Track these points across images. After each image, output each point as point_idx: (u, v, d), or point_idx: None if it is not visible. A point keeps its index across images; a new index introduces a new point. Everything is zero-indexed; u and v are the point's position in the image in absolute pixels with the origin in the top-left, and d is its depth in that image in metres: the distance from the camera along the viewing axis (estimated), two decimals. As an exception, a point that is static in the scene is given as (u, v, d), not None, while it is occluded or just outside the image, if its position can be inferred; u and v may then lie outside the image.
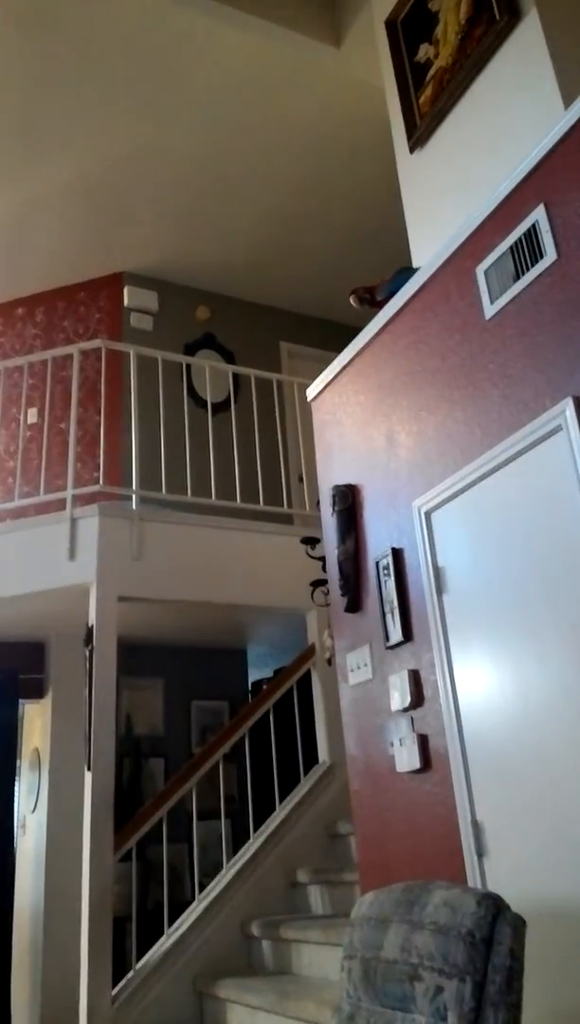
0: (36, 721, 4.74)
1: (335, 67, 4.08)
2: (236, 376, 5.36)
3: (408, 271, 2.94)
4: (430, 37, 3.11)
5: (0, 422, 4.80)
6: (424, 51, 3.13)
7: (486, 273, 2.44)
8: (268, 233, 5.31)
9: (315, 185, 4.94)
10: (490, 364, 2.39)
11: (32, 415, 5.04)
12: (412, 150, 3.13)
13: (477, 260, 2.49)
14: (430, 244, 2.95)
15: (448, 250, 2.62)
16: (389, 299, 2.98)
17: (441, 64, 3.02)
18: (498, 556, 2.29)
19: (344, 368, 3.19)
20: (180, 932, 3.56)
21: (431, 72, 3.07)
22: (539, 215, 2.26)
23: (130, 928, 3.58)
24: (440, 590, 2.51)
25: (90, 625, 3.81)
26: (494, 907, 1.66)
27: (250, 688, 5.30)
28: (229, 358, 5.70)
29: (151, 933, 3.67)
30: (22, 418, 4.68)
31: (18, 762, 4.62)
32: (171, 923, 3.61)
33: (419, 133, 3.08)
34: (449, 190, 2.90)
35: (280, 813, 3.95)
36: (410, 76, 3.20)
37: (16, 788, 4.52)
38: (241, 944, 3.63)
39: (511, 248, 2.35)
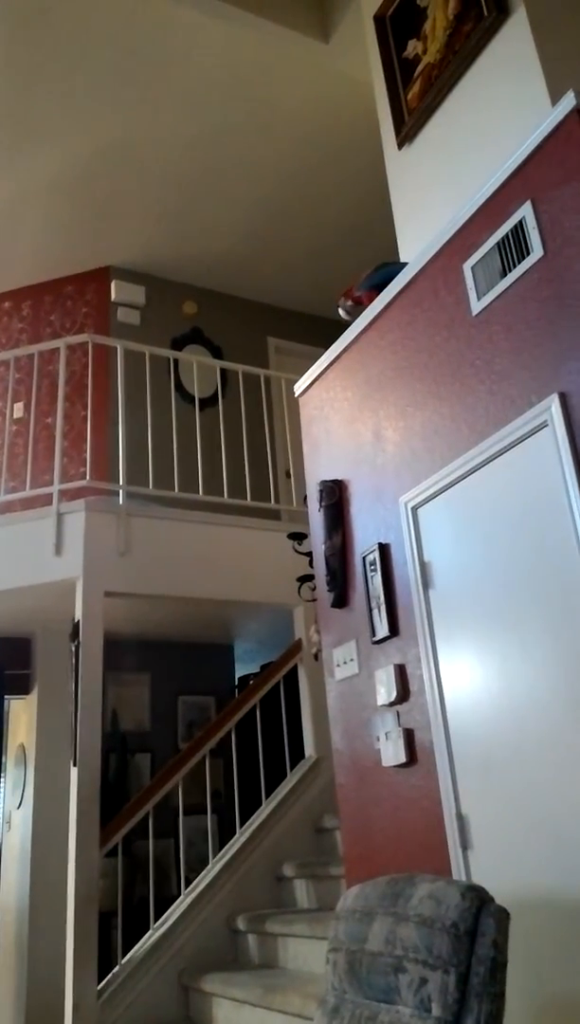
0: (22, 717, 4.73)
1: (323, 62, 4.08)
2: (223, 371, 5.36)
3: (388, 265, 2.95)
4: (418, 33, 3.11)
5: (-14, 416, 4.78)
6: (412, 47, 3.13)
7: (473, 269, 2.44)
8: (256, 228, 5.30)
9: (303, 180, 4.93)
10: (477, 360, 2.40)
11: (18, 409, 5.01)
12: (400, 146, 3.13)
13: (464, 256, 2.49)
14: (418, 240, 2.95)
15: (435, 246, 2.63)
16: (372, 293, 2.98)
17: (429, 60, 3.03)
18: (484, 551, 2.30)
19: (331, 364, 3.19)
20: (166, 927, 3.57)
21: (419, 68, 3.07)
22: (526, 212, 2.27)
23: (116, 923, 3.58)
24: (426, 585, 2.52)
25: (76, 620, 3.80)
26: (478, 899, 1.67)
27: (237, 684, 5.30)
28: (216, 353, 5.69)
29: (137, 928, 3.67)
30: (8, 412, 4.66)
31: (3, 758, 4.61)
32: (157, 918, 3.62)
33: (407, 129, 3.08)
34: (437, 186, 2.90)
35: (266, 808, 3.96)
36: (398, 72, 3.20)
37: (1, 784, 4.51)
38: (227, 938, 3.64)
39: (498, 244, 2.35)
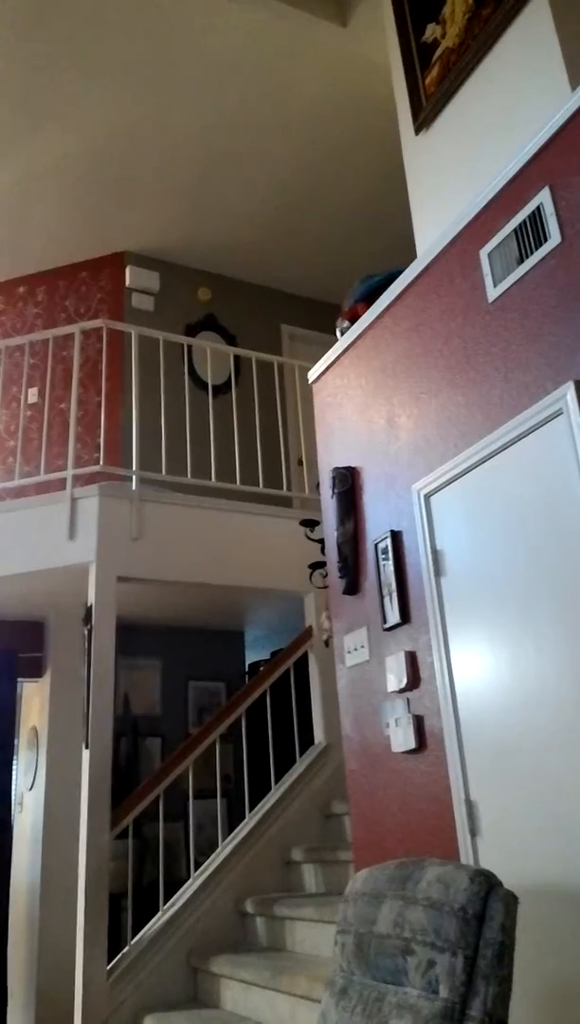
0: (34, 699, 4.77)
1: (341, 46, 4.05)
2: (237, 358, 5.35)
3: (372, 277, 3.00)
4: (437, 17, 3.08)
5: (1, 401, 4.79)
6: (431, 31, 3.10)
7: (489, 256, 2.43)
8: (271, 214, 5.28)
9: (319, 166, 4.91)
10: (492, 347, 2.39)
11: (33, 395, 5.03)
12: (418, 131, 3.11)
13: (481, 243, 2.48)
14: (434, 226, 2.94)
15: (452, 232, 2.61)
16: (364, 305, 3.04)
17: (448, 44, 3.00)
18: (496, 539, 2.30)
19: (345, 351, 3.18)
20: (175, 909, 3.60)
21: (438, 52, 3.05)
22: (544, 198, 2.25)
23: (126, 904, 3.62)
24: (438, 573, 2.52)
25: (89, 605, 3.82)
26: (487, 883, 1.68)
27: (247, 670, 5.32)
28: (230, 340, 5.69)
29: (146, 910, 3.71)
30: (23, 398, 4.67)
31: (16, 740, 4.65)
32: (166, 900, 3.65)
33: (425, 114, 3.06)
34: (454, 172, 2.88)
35: (275, 793, 3.98)
36: (416, 56, 3.18)
37: (14, 766, 4.55)
38: (235, 921, 3.68)
39: (515, 231, 2.34)
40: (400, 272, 2.99)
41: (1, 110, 4.36)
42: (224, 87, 4.35)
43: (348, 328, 3.18)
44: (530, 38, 2.64)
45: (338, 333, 3.24)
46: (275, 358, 5.00)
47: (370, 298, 3.10)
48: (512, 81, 2.69)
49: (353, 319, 3.17)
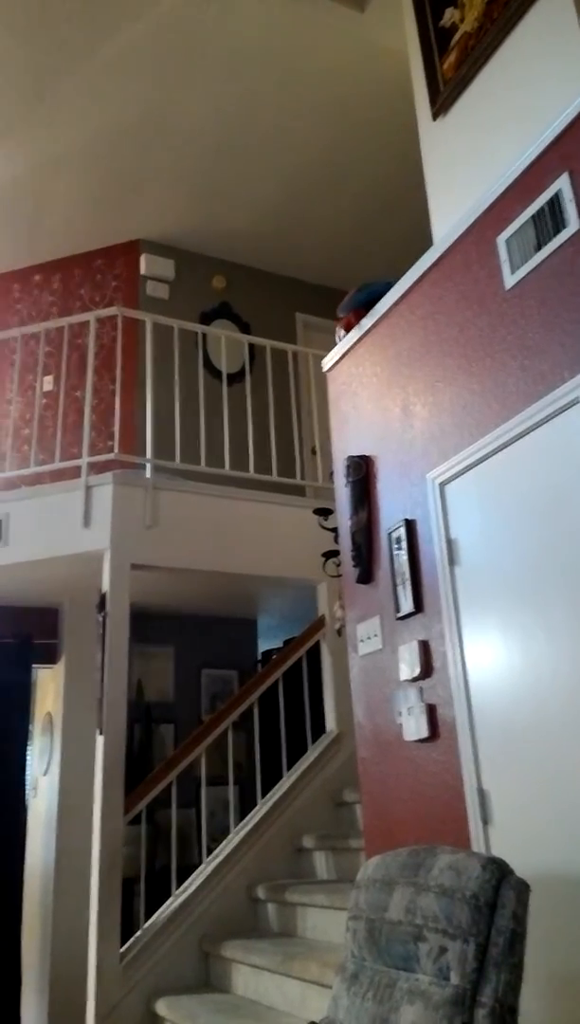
0: (49, 685, 4.80)
1: (357, 32, 4.01)
2: (251, 346, 5.34)
3: (370, 285, 3.01)
4: (456, 1, 3.04)
5: (16, 389, 4.80)
6: (449, 15, 3.07)
7: (507, 242, 2.41)
8: (286, 201, 5.26)
9: (333, 153, 4.88)
10: (509, 335, 2.37)
11: (48, 383, 5.04)
12: (435, 117, 3.08)
13: (498, 229, 2.46)
14: (451, 212, 2.91)
15: (469, 219, 2.59)
16: (360, 312, 3.05)
17: (466, 29, 2.97)
18: (511, 529, 2.29)
19: (360, 339, 3.17)
20: (187, 894, 3.63)
21: (456, 37, 3.01)
22: (563, 184, 2.23)
23: (138, 889, 3.65)
24: (452, 562, 2.51)
25: (103, 592, 3.84)
26: (498, 871, 1.68)
27: (260, 658, 5.34)
28: (245, 328, 5.67)
29: (159, 894, 3.74)
30: (38, 385, 4.69)
31: (31, 726, 4.69)
32: (179, 885, 3.68)
33: (442, 100, 3.03)
34: (471, 158, 2.86)
35: (287, 780, 4.00)
36: (434, 41, 3.14)
37: (29, 751, 4.59)
38: (247, 907, 3.70)
39: (533, 217, 2.32)
40: (390, 284, 3.02)
41: (17, 98, 4.36)
42: (239, 74, 4.32)
43: (345, 337, 3.20)
44: (550, 22, 2.61)
45: (338, 339, 3.26)
46: (289, 346, 4.99)
47: (367, 306, 3.11)
48: (531, 66, 2.65)
49: (347, 328, 3.19)
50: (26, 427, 4.95)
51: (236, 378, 5.34)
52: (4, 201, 5.05)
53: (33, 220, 5.29)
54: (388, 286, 3.04)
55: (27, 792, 4.51)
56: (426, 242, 2.95)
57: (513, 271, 2.37)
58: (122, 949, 3.42)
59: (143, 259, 5.49)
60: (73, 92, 4.37)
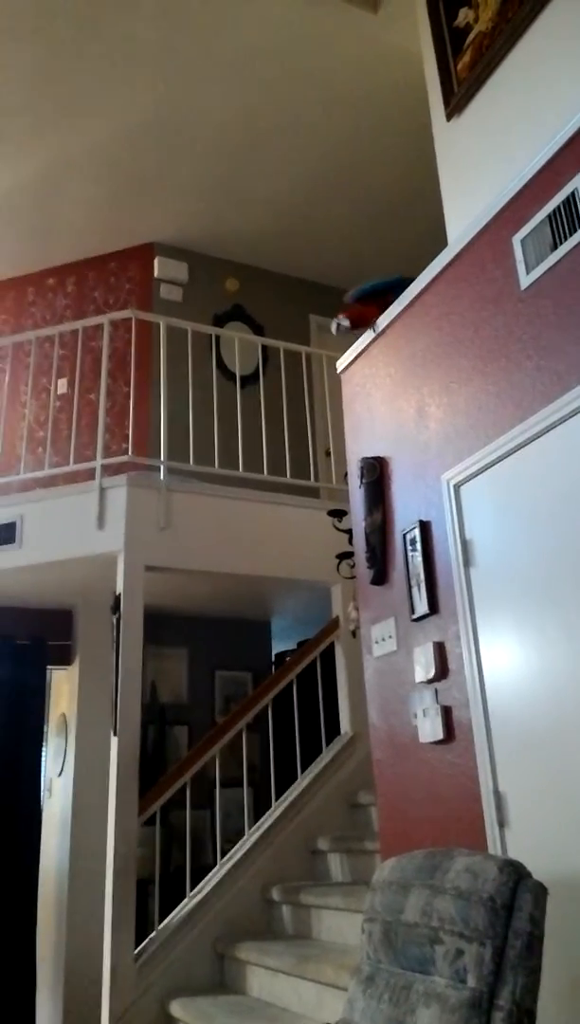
0: (64, 687, 4.82)
1: (371, 33, 4.01)
2: (265, 348, 5.35)
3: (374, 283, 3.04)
4: (470, 1, 3.04)
5: (31, 392, 4.83)
6: (464, 15, 3.06)
7: (522, 242, 2.40)
8: (299, 203, 5.26)
9: (347, 154, 4.88)
10: (524, 335, 2.36)
11: (62, 385, 5.06)
12: (449, 117, 3.07)
13: (513, 229, 2.45)
14: (466, 213, 2.90)
15: (484, 219, 2.58)
16: (368, 305, 3.04)
17: (481, 29, 2.96)
18: (527, 530, 2.28)
19: (374, 340, 3.17)
20: (202, 895, 3.63)
21: (470, 37, 3.01)
22: (579, 184, 2.22)
23: (153, 890, 3.65)
24: (467, 563, 2.50)
25: (117, 594, 3.85)
26: (515, 874, 1.67)
27: (274, 660, 5.34)
28: (258, 330, 5.68)
29: (173, 896, 3.74)
30: (52, 388, 4.71)
31: (45, 727, 4.71)
32: (193, 886, 3.68)
33: (457, 100, 3.03)
34: (487, 158, 2.85)
35: (301, 782, 4.00)
36: (449, 41, 3.14)
37: (44, 752, 4.61)
38: (262, 908, 3.69)
39: (549, 217, 2.31)
40: (401, 279, 3.01)
41: (31, 101, 4.39)
42: (252, 76, 4.33)
43: (346, 327, 3.15)
44: (565, 22, 2.60)
45: (333, 328, 3.20)
46: (303, 348, 4.99)
47: (373, 296, 3.10)
48: (546, 65, 2.64)
49: (351, 316, 3.15)
50: (41, 429, 4.98)
51: (250, 380, 5.35)
52: (19, 205, 5.08)
53: (47, 224, 5.31)
54: (398, 280, 3.03)
55: (42, 793, 4.53)
56: (440, 243, 2.94)
57: (528, 271, 2.36)
58: (137, 950, 3.42)
59: (157, 262, 5.51)
60: (87, 95, 4.39)
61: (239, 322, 5.67)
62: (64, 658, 4.75)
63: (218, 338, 5.42)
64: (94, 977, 3.55)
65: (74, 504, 4.07)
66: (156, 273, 5.49)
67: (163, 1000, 3.37)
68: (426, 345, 2.84)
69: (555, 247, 2.27)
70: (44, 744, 4.62)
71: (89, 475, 4.17)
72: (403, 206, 5.14)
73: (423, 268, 2.90)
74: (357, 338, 3.27)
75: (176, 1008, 3.27)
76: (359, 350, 3.26)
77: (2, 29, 3.94)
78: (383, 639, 2.88)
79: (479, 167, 2.88)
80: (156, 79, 4.32)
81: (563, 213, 2.26)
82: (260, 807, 4.08)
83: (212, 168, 4.96)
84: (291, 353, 5.15)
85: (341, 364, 3.40)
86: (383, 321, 3.10)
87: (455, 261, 2.73)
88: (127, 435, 4.35)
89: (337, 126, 4.68)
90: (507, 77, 2.82)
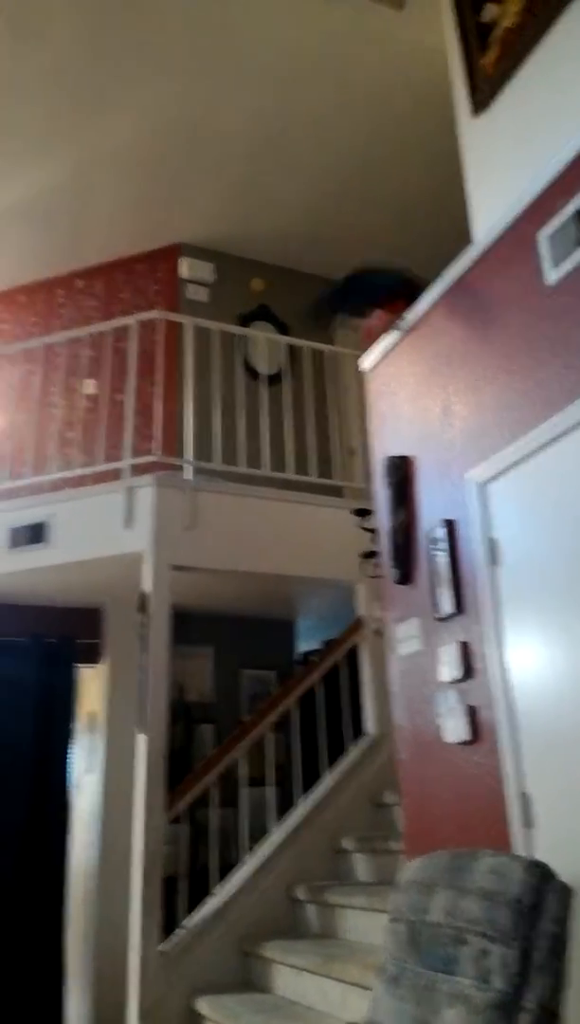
0: (92, 684, 4.86)
1: (395, 30, 4.00)
2: (290, 348, 5.35)
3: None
4: (496, -4, 3.02)
5: (61, 393, 4.88)
6: (489, 10, 3.04)
7: (549, 239, 2.38)
8: (324, 203, 5.25)
9: (373, 151, 4.86)
10: (550, 332, 2.34)
11: (91, 386, 5.10)
12: (475, 113, 3.05)
13: (539, 225, 2.43)
14: (491, 210, 2.88)
15: (509, 216, 2.57)
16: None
17: (507, 24, 2.94)
18: (553, 528, 2.26)
19: (399, 339, 3.16)
20: (228, 893, 3.64)
21: (496, 32, 2.98)
22: (605, 178, 2.19)
23: (180, 887, 3.67)
24: (494, 562, 2.49)
25: (144, 593, 3.88)
26: (542, 875, 1.66)
27: (299, 659, 5.34)
28: (283, 330, 5.68)
29: (200, 893, 3.75)
30: (81, 389, 4.76)
31: (75, 724, 4.75)
32: (219, 885, 3.69)
33: (482, 96, 3.00)
34: (512, 153, 2.83)
35: (326, 782, 4.00)
36: (474, 37, 3.12)
37: (73, 749, 4.65)
38: (286, 907, 3.70)
39: (575, 213, 2.28)
40: (400, 277, 2.99)
41: (59, 102, 4.42)
42: (277, 74, 4.33)
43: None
44: (592, 14, 2.57)
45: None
46: (328, 347, 4.98)
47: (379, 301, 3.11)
48: (574, 60, 2.62)
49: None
50: (70, 430, 5.02)
51: (275, 380, 5.35)
52: (48, 208, 5.13)
53: (76, 226, 5.36)
54: (397, 280, 3.03)
55: (71, 789, 4.57)
56: (465, 240, 2.92)
57: (555, 267, 2.34)
58: (163, 947, 3.44)
59: (183, 263, 5.54)
60: (114, 96, 4.42)
61: (265, 322, 5.67)
62: (93, 656, 4.79)
63: (244, 338, 5.44)
64: (122, 972, 3.58)
65: (102, 504, 4.11)
66: (183, 274, 5.52)
67: (190, 997, 3.39)
68: (451, 343, 2.83)
69: (582, 243, 2.25)
70: (73, 741, 4.67)
71: (117, 475, 4.21)
72: (428, 203, 5.11)
73: (448, 266, 2.89)
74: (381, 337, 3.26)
75: (202, 1005, 3.29)
76: (384, 349, 3.25)
77: (29, 33, 3.99)
78: (408, 639, 2.87)
79: (505, 163, 2.86)
80: (184, 81, 4.34)
81: (590, 209, 2.23)
82: (285, 806, 4.08)
83: (237, 168, 4.97)
84: (316, 352, 5.15)
85: (366, 363, 3.39)
86: (408, 320, 3.09)
87: (480, 259, 2.71)
88: (154, 435, 4.38)
89: (361, 124, 4.67)
90: (534, 72, 2.79)
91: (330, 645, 4.32)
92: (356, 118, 4.62)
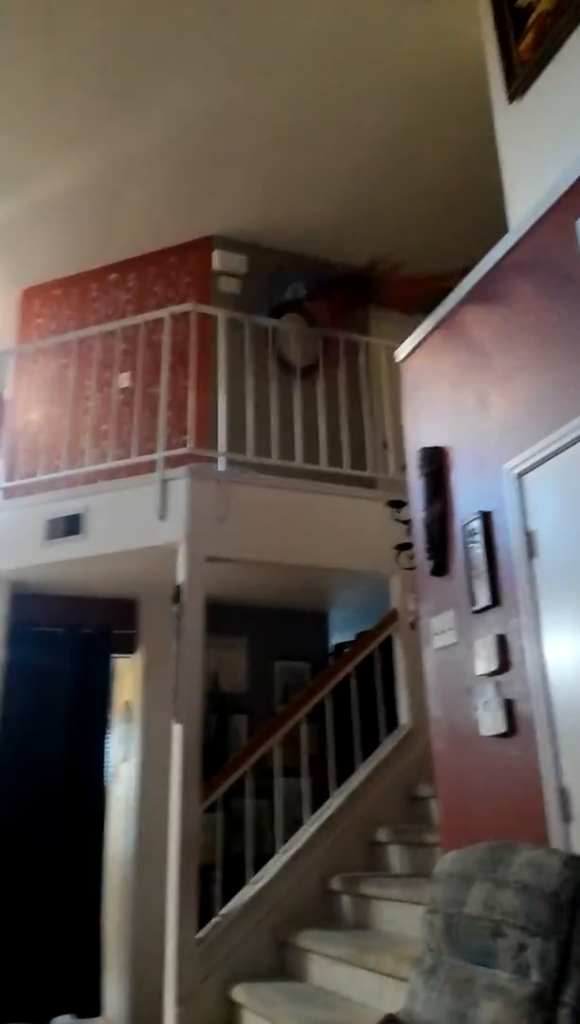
0: (128, 675, 4.91)
1: (428, 18, 3.95)
2: (323, 339, 5.33)
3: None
4: (532, -21, 2.97)
5: (95, 385, 4.92)
6: (525, -6, 2.99)
7: (587, 226, 2.34)
8: (357, 193, 5.22)
9: (406, 140, 4.81)
10: (589, 321, 2.31)
11: (124, 379, 5.13)
12: (511, 100, 3.01)
13: (577, 212, 2.39)
14: (528, 197, 2.84)
15: (546, 203, 2.53)
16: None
17: (543, 8, 2.89)
18: (592, 520, 2.23)
19: (434, 329, 3.13)
20: (263, 883, 3.66)
21: (532, 18, 2.94)
22: None
23: (215, 876, 3.70)
24: (531, 554, 2.46)
25: (179, 584, 3.90)
26: (580, 869, 1.65)
27: (333, 651, 5.34)
28: (316, 321, 5.65)
29: (235, 882, 3.78)
30: (115, 382, 4.79)
31: (111, 714, 4.80)
32: (254, 874, 3.72)
33: (518, 82, 2.96)
34: (549, 140, 2.78)
35: (361, 773, 4.00)
36: (510, 23, 3.07)
37: (109, 738, 4.71)
38: (322, 898, 3.71)
39: (615, 199, 2.24)
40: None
41: (92, 98, 4.44)
42: (309, 64, 4.30)
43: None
44: (632, -5, 2.52)
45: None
46: (362, 338, 4.95)
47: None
48: (612, 42, 2.57)
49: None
50: (104, 423, 5.06)
51: (308, 371, 5.34)
52: (81, 203, 5.16)
53: (109, 220, 5.39)
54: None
55: (108, 779, 4.63)
56: (502, 229, 2.89)
57: (594, 255, 2.31)
58: (200, 935, 3.48)
59: (216, 255, 5.54)
60: (145, 92, 4.43)
61: (297, 313, 5.65)
62: (128, 647, 4.84)
63: (276, 330, 5.43)
64: (159, 959, 3.63)
65: (136, 496, 4.14)
66: (215, 266, 5.51)
67: (226, 985, 3.42)
68: (487, 333, 2.80)
69: (622, 230, 2.21)
70: (109, 731, 4.72)
71: (150, 467, 4.24)
72: (463, 192, 5.05)
73: (484, 255, 2.85)
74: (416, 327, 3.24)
75: (238, 993, 3.32)
76: (419, 340, 3.23)
77: (62, 30, 4.00)
78: (443, 631, 2.86)
79: (542, 150, 2.82)
80: (215, 72, 4.33)
81: (630, 194, 2.20)
82: (319, 797, 4.09)
83: (271, 160, 4.96)
84: (349, 343, 5.13)
85: (400, 354, 3.37)
86: (442, 311, 3.06)
87: (517, 247, 2.68)
88: (187, 427, 4.40)
89: (396, 113, 4.62)
90: (571, 57, 2.75)
91: (364, 637, 4.31)
92: (390, 107, 4.58)
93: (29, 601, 4.65)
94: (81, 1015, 4.24)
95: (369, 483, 4.77)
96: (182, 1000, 3.36)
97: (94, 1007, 4.26)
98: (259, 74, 4.35)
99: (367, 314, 5.90)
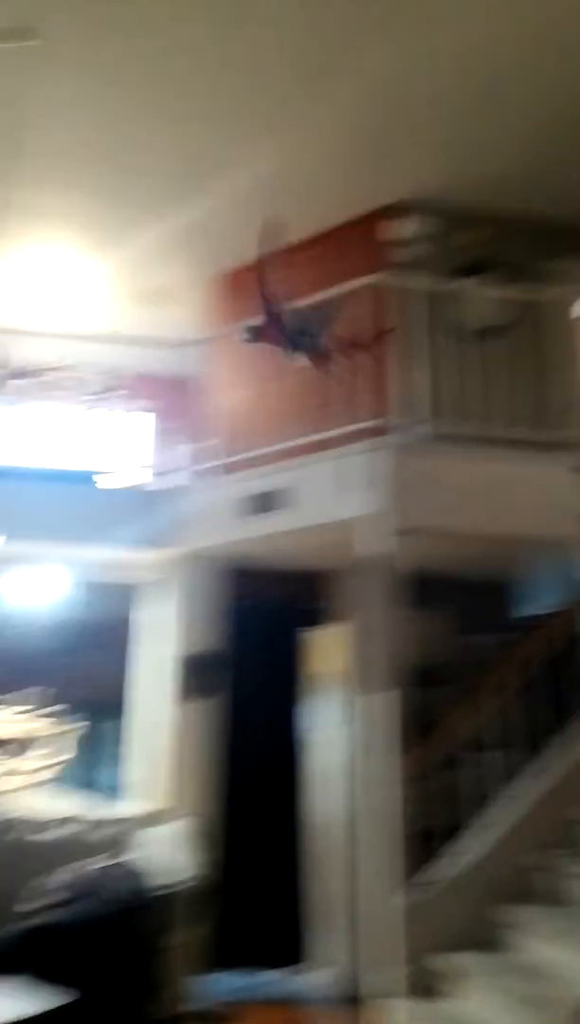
0: (327, 647, 5.01)
1: None
2: (517, 300, 5.11)
3: None
4: None
5: (288, 362, 5.01)
6: None
7: None
8: (543, 141, 4.91)
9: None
10: None
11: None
12: None
13: None
14: None
15: None
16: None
17: None
18: None
19: None
20: (468, 856, 3.65)
21: None
22: None
23: (417, 847, 3.73)
24: None
25: (377, 556, 3.93)
26: None
27: (533, 623, 5.17)
28: (509, 280, 5.41)
29: (435, 853, 3.79)
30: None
31: (307, 685, 4.91)
32: (456, 846, 3.71)
33: None
34: None
35: (565, 749, 3.87)
36: None
37: (306, 709, 4.83)
38: (524, 873, 3.66)
39: None
40: None
41: (276, 77, 4.47)
42: (482, 17, 4.09)
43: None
44: None
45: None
46: (554, 294, 4.67)
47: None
48: None
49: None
50: (299, 399, 5.15)
51: (501, 334, 5.14)
52: (271, 187, 5.26)
53: (295, 200, 5.44)
54: None
55: (305, 749, 4.74)
56: None
57: None
58: (404, 901, 3.53)
59: (400, 222, 5.44)
60: (329, 67, 4.39)
61: (488, 274, 5.44)
62: (327, 619, 4.94)
63: (466, 293, 5.25)
64: (366, 923, 3.72)
65: (334, 469, 4.21)
66: (400, 233, 5.42)
67: (427, 952, 3.45)
68: None
69: None
70: (306, 702, 4.85)
71: (346, 440, 4.28)
72: None
73: None
74: None
75: (440, 962, 3.35)
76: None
77: (246, 15, 4.05)
78: None
79: None
80: (384, 37, 4.21)
81: None
82: (524, 771, 4.00)
83: (450, 121, 4.78)
84: (549, 303, 4.87)
85: (577, 308, 3.15)
86: None
87: None
88: (383, 399, 4.39)
89: (575, 55, 4.29)
90: None
91: (566, 610, 4.14)
92: (571, 51, 4.28)
93: (235, 576, 4.87)
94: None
95: (555, 447, 4.56)
96: (384, 965, 3.43)
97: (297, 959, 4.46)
98: (431, 32, 4.16)
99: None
